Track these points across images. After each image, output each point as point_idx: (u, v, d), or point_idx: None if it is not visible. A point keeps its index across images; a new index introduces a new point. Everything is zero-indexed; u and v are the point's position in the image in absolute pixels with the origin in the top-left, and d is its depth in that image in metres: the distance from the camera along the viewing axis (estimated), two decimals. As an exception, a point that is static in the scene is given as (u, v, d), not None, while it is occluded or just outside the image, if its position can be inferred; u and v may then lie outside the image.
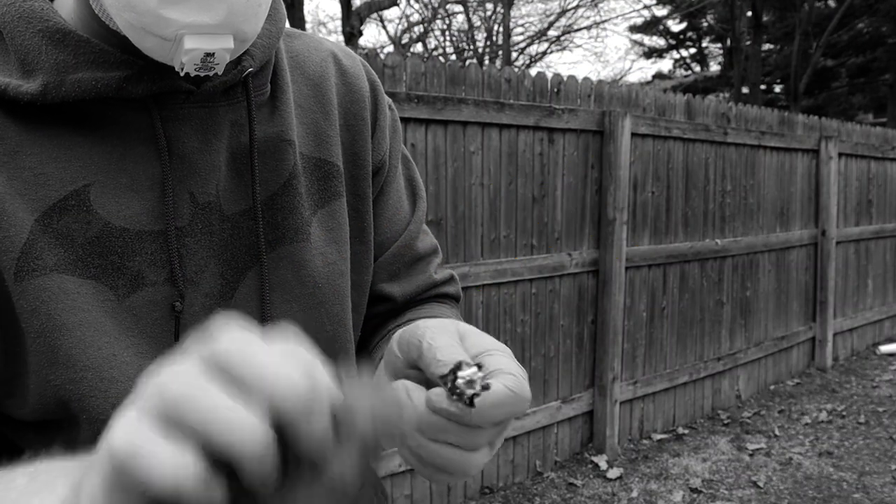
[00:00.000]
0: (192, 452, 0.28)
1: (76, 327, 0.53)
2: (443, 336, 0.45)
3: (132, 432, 0.28)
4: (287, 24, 0.69)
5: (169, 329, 0.57)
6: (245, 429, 0.28)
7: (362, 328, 0.75)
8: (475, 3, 18.16)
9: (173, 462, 0.27)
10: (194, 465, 0.28)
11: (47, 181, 0.53)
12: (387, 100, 0.75)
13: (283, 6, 0.66)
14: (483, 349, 0.45)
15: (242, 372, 0.30)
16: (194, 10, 0.48)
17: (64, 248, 0.53)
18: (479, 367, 0.41)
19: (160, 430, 0.28)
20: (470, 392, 0.38)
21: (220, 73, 0.54)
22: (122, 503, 0.28)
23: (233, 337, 0.31)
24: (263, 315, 0.61)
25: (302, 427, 0.30)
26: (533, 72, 3.44)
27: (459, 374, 0.38)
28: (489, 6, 18.21)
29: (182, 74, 0.53)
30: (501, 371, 0.43)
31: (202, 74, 0.53)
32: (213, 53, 0.51)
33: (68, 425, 0.55)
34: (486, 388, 0.39)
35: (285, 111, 0.64)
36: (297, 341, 0.33)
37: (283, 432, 0.30)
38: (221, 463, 0.29)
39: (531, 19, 29.62)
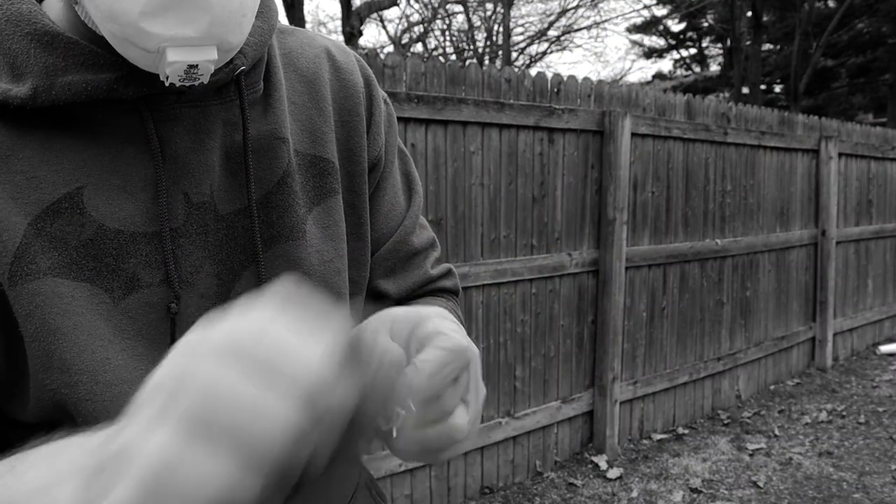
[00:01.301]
0: (230, 454, 0.28)
1: (70, 331, 0.52)
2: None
3: (167, 444, 0.28)
4: (280, 21, 0.68)
5: (165, 331, 0.56)
6: (277, 418, 0.29)
7: None
8: (475, 3, 18.16)
9: (214, 470, 0.27)
10: (234, 467, 0.28)
11: (40, 184, 0.53)
12: (381, 94, 0.75)
13: (275, 3, 0.66)
14: (437, 331, 0.46)
15: (263, 355, 0.30)
16: (176, 24, 0.48)
17: (58, 252, 0.53)
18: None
19: (192, 434, 0.28)
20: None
21: (205, 82, 0.53)
22: None
23: (248, 319, 0.31)
24: None
25: (327, 400, 0.31)
26: (533, 72, 3.45)
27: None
28: (489, 6, 18.22)
29: (167, 85, 0.52)
30: (435, 336, 0.44)
31: (187, 84, 0.52)
32: (197, 65, 0.50)
33: (66, 429, 0.55)
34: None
35: (279, 108, 0.64)
36: (297, 304, 0.33)
37: (312, 406, 0.31)
38: (257, 453, 0.29)
39: (531, 19, 29.62)
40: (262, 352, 0.31)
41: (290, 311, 0.33)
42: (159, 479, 0.28)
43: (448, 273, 0.80)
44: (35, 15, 0.53)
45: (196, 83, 0.52)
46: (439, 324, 0.47)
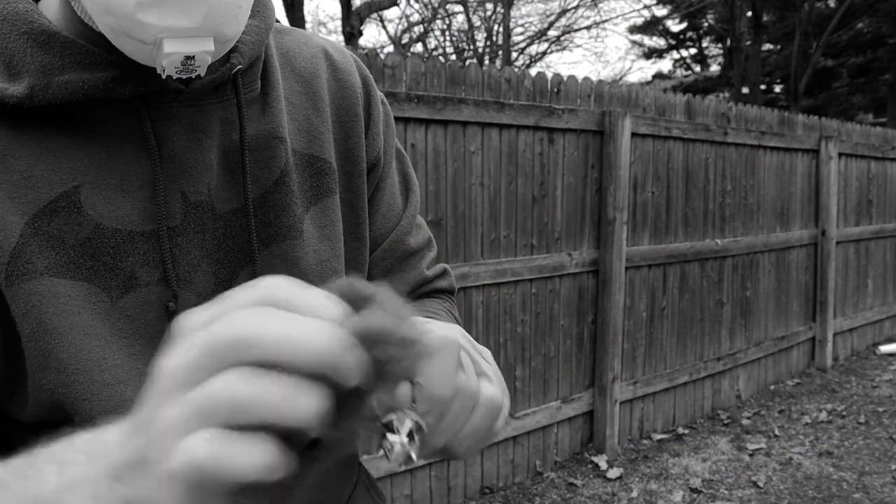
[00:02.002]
0: (262, 436, 0.29)
1: (67, 331, 0.52)
2: None
3: (202, 439, 0.29)
4: (278, 21, 0.68)
5: (163, 329, 0.56)
6: (303, 404, 0.30)
7: None
8: (475, 3, 18.16)
9: (253, 453, 0.29)
10: (270, 448, 0.29)
11: (37, 184, 0.53)
12: (379, 95, 0.75)
13: (272, 2, 0.66)
14: (482, 370, 0.46)
15: (264, 352, 0.30)
16: (172, 14, 0.48)
17: (55, 251, 0.53)
18: (412, 434, 0.40)
19: (222, 425, 0.29)
20: (392, 458, 0.39)
21: (202, 74, 0.53)
22: (202, 501, 0.29)
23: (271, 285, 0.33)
24: None
25: (341, 375, 0.31)
26: (533, 72, 3.44)
27: (388, 438, 0.38)
28: (489, 6, 18.22)
29: (164, 77, 0.52)
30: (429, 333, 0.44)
31: (184, 77, 0.52)
32: (194, 56, 0.50)
33: (64, 427, 0.55)
34: (408, 458, 0.39)
35: (276, 108, 0.64)
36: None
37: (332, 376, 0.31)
38: (283, 430, 0.30)
39: (531, 19, 29.63)
40: (284, 295, 0.32)
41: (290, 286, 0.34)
42: (207, 474, 0.29)
43: (444, 273, 0.80)
44: (31, 14, 0.53)
45: (193, 75, 0.52)
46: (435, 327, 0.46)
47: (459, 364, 0.44)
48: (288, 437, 0.30)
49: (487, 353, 0.50)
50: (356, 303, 0.35)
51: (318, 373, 0.30)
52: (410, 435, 0.39)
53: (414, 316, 0.37)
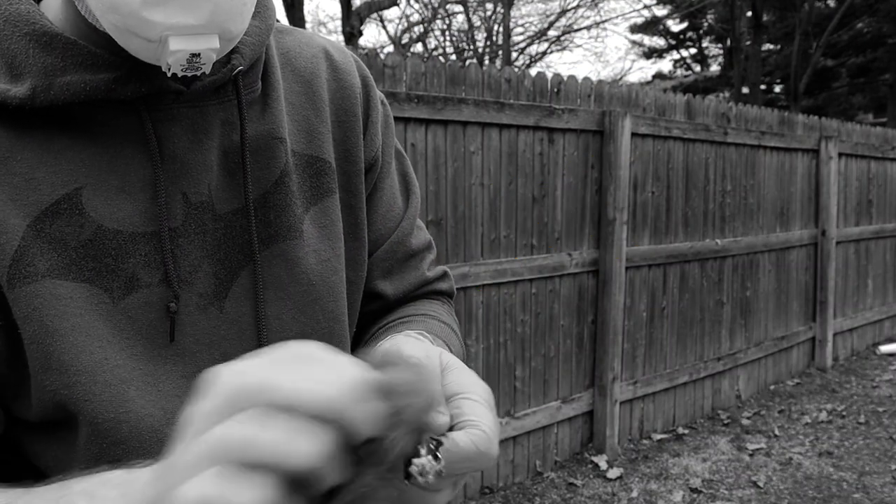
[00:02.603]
0: (268, 484, 0.30)
1: (68, 332, 0.53)
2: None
3: (210, 476, 0.30)
4: (279, 21, 0.68)
5: (164, 330, 0.56)
6: (304, 445, 0.30)
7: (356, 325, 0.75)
8: (475, 3, 18.16)
9: (254, 492, 0.29)
10: (271, 489, 0.30)
11: (38, 186, 0.53)
12: (379, 95, 0.75)
13: (272, 3, 0.66)
14: (460, 390, 0.44)
15: (278, 397, 0.31)
16: (178, 12, 0.48)
17: (57, 253, 0.53)
18: (436, 454, 0.39)
19: (231, 464, 0.30)
20: (422, 480, 0.38)
21: (207, 72, 0.53)
22: None
23: (252, 367, 0.32)
24: (258, 313, 0.61)
25: (352, 422, 0.32)
26: (533, 72, 3.45)
27: (414, 461, 0.38)
28: (489, 6, 18.22)
29: (169, 75, 0.52)
30: (472, 423, 0.41)
31: (189, 74, 0.52)
32: (199, 54, 0.50)
33: (68, 427, 0.55)
34: (439, 474, 0.39)
35: (276, 108, 0.64)
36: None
37: (342, 434, 0.32)
38: (295, 478, 0.31)
39: (531, 19, 29.65)
40: (309, 352, 0.33)
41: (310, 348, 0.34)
42: None
43: (443, 276, 0.81)
44: (33, 15, 0.53)
45: (199, 73, 0.52)
46: (467, 389, 0.44)
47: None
48: (302, 483, 0.31)
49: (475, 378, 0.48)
50: (379, 364, 0.36)
51: (327, 419, 0.31)
52: (434, 456, 0.38)
53: (429, 373, 0.37)
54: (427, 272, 0.78)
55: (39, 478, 0.47)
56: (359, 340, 0.77)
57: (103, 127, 0.55)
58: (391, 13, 23.41)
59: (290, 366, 0.32)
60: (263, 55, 0.64)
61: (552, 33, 19.50)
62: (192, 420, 0.32)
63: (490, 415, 0.43)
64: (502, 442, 3.37)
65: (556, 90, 3.49)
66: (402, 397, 0.34)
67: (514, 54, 18.90)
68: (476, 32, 19.30)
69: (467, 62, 10.81)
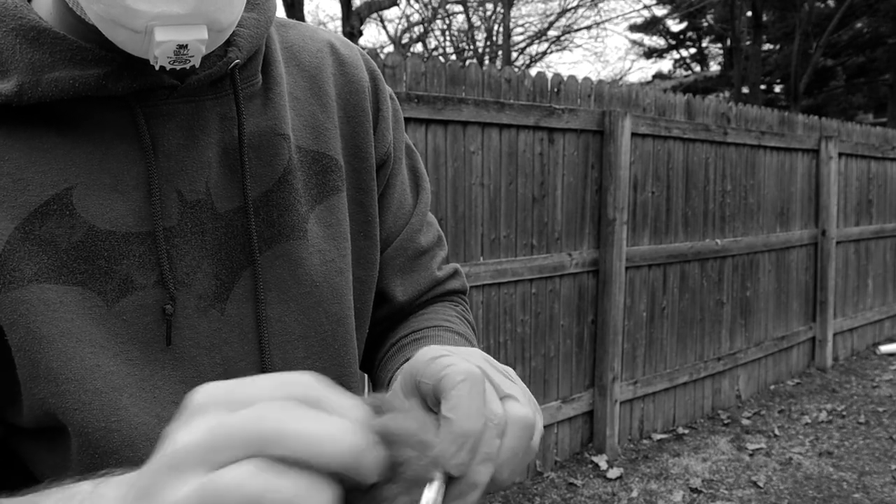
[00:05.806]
0: (310, 475, 0.29)
1: (57, 339, 0.51)
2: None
3: (250, 475, 0.28)
4: (280, 14, 0.66)
5: (160, 333, 0.55)
6: (312, 502, 0.29)
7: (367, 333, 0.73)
8: (475, 3, 18.17)
9: (302, 490, 0.28)
10: (319, 484, 0.29)
11: (27, 186, 0.51)
12: (388, 90, 0.73)
13: None
14: (506, 393, 0.43)
15: (286, 448, 0.29)
16: (163, 0, 0.46)
17: (47, 255, 0.51)
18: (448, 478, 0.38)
19: (270, 464, 0.29)
20: None
21: (196, 64, 0.51)
22: None
23: (266, 415, 0.30)
24: (259, 316, 0.59)
25: (358, 474, 0.31)
26: (533, 72, 3.45)
27: (425, 492, 0.38)
28: (489, 6, 18.22)
29: (157, 68, 0.50)
30: (439, 380, 0.41)
31: (177, 67, 0.50)
32: (187, 45, 0.48)
33: (62, 436, 0.53)
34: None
35: (279, 104, 0.62)
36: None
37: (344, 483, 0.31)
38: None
39: (531, 19, 29.64)
40: (310, 392, 0.31)
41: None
42: None
43: (455, 273, 0.78)
44: (20, 10, 0.52)
45: (187, 65, 0.50)
46: (440, 362, 0.42)
47: (484, 395, 0.41)
48: None
49: (511, 371, 0.47)
50: (379, 409, 0.36)
51: (335, 472, 0.30)
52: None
53: (432, 423, 0.36)
54: (437, 272, 0.75)
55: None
56: (373, 357, 0.75)
57: (94, 124, 0.53)
58: (391, 13, 23.42)
59: (293, 409, 0.30)
60: (263, 48, 0.62)
61: (552, 33, 19.52)
62: (177, 449, 0.30)
63: (466, 354, 0.44)
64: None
65: (556, 90, 3.49)
66: (402, 446, 0.34)
67: (514, 54, 18.90)
68: (476, 32, 19.31)
69: (467, 62, 10.81)
